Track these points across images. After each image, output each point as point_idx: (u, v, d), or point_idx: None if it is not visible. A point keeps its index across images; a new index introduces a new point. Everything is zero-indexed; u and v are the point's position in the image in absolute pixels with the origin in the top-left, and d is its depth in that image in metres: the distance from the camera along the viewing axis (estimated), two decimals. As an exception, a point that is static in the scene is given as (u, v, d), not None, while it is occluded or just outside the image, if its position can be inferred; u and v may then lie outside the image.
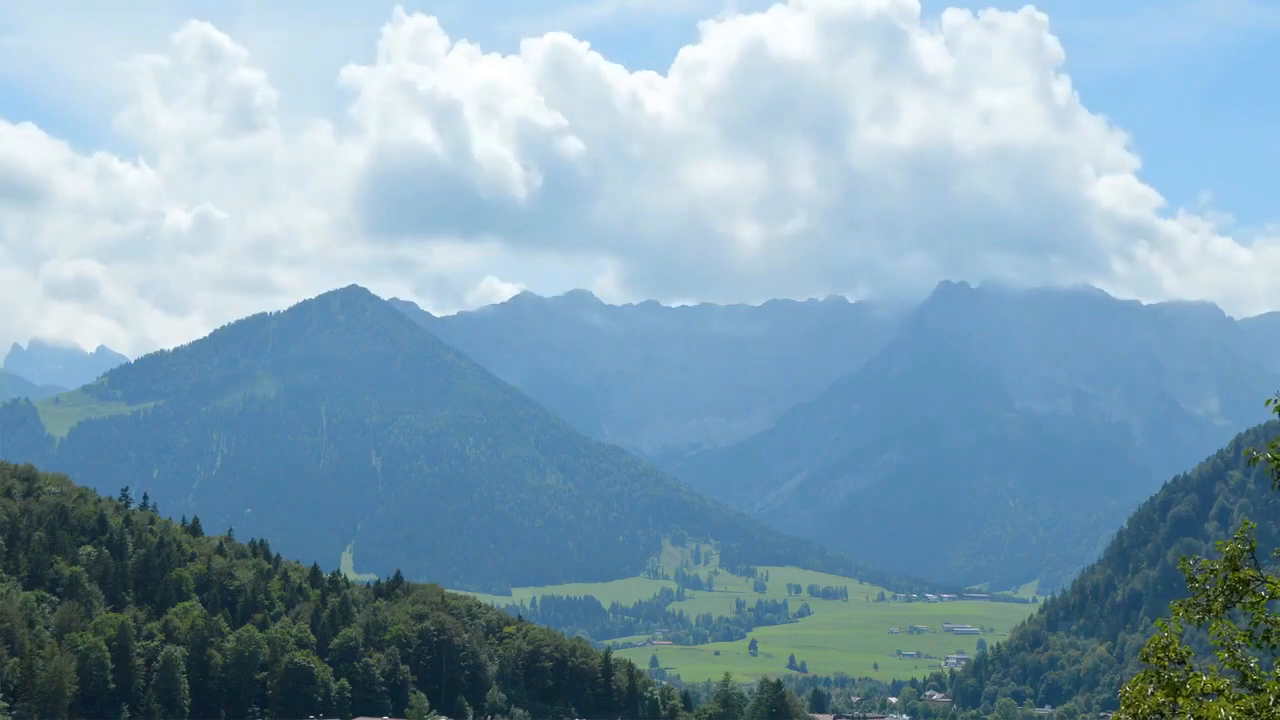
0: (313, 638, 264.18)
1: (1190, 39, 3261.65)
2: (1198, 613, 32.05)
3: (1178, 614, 32.38)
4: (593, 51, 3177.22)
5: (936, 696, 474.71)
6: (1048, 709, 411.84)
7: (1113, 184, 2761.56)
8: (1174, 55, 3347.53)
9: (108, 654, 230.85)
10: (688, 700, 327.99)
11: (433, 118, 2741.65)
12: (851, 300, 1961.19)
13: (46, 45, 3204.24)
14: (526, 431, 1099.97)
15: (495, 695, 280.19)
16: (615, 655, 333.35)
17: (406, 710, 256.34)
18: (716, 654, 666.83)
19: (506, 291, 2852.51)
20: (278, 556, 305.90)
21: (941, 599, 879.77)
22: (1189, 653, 32.38)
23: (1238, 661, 31.48)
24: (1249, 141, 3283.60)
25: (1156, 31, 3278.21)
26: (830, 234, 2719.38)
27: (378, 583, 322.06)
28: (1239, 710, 29.73)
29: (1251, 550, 31.85)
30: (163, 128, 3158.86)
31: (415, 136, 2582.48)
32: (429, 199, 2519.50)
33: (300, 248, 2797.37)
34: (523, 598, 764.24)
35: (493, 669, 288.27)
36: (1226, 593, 31.62)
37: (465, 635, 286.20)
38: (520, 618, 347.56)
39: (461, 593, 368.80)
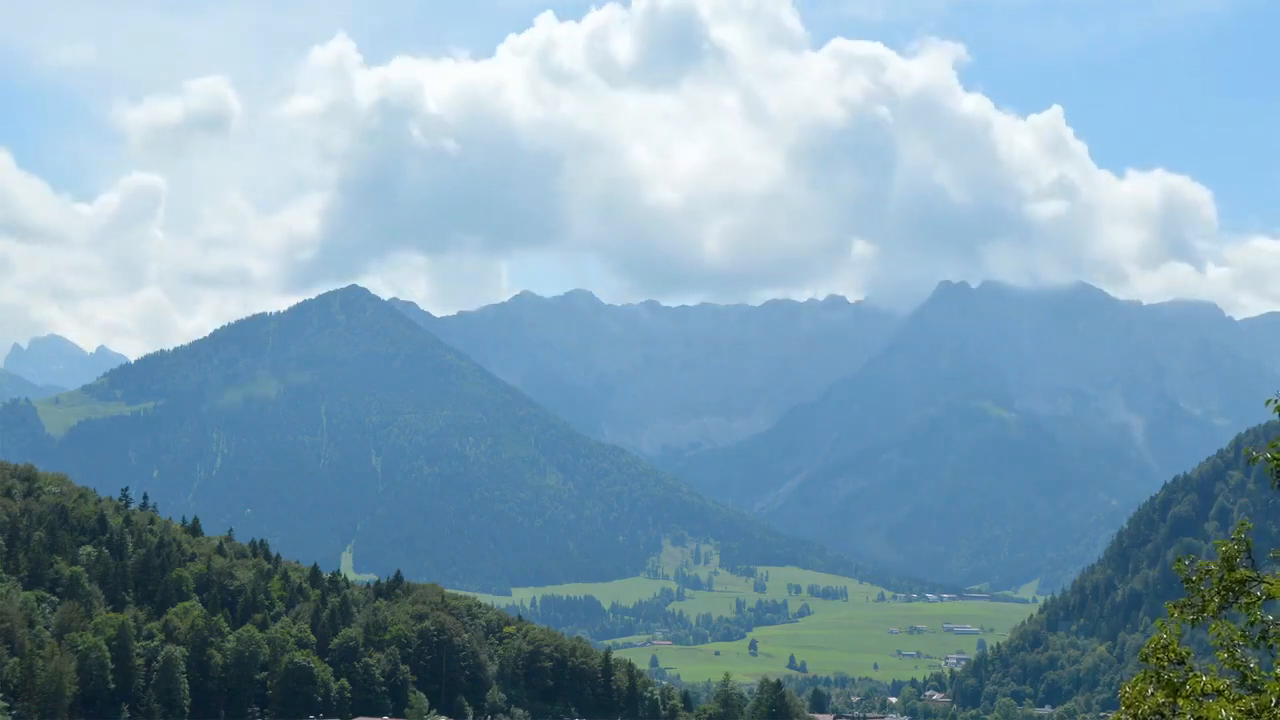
0: (313, 638, 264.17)
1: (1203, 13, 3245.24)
2: (1192, 613, 32.05)
3: (1173, 614, 32.38)
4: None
5: (936, 696, 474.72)
6: (1048, 709, 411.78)
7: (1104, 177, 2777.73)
8: (1157, 41, 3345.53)
9: (108, 654, 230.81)
10: (688, 700, 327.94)
11: (428, 117, 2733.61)
12: (851, 300, 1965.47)
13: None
14: (526, 431, 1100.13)
15: (495, 695, 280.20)
16: (615, 655, 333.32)
17: (406, 710, 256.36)
18: (716, 654, 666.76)
19: (506, 291, 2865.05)
20: (278, 556, 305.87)
21: (941, 599, 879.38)
22: (1189, 653, 32.37)
23: (1238, 662, 31.46)
24: (1245, 131, 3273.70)
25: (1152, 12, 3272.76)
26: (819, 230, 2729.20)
27: (378, 583, 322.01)
28: (1239, 711, 29.72)
29: (1248, 550, 31.84)
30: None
31: (409, 137, 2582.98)
32: (427, 200, 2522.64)
33: (295, 247, 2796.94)
34: (523, 598, 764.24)
35: (493, 669, 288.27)
36: (1222, 593, 31.61)
37: (465, 635, 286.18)
38: (520, 618, 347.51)
39: (461, 593, 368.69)
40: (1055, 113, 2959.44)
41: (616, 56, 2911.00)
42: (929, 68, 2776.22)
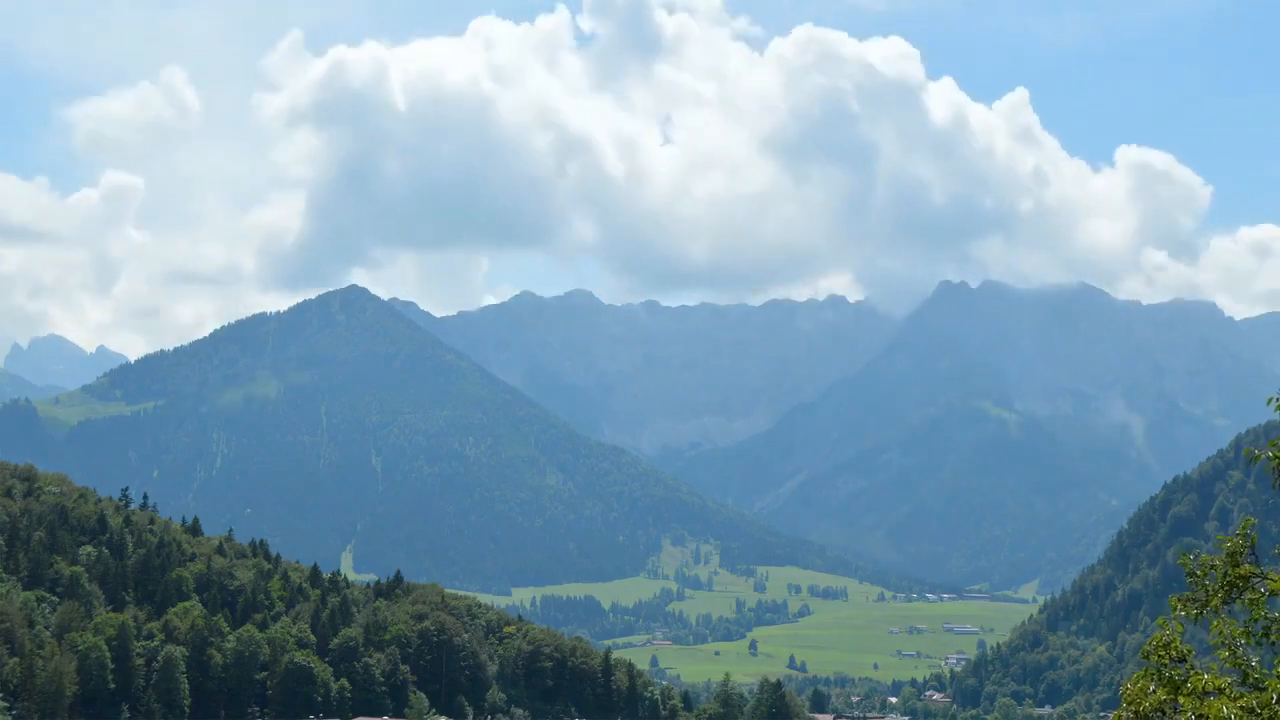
0: (313, 638, 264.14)
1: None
2: (1196, 608, 32.02)
3: (1176, 608, 32.35)
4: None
5: (936, 696, 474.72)
6: (1048, 709, 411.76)
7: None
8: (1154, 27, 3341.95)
9: (108, 654, 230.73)
10: (688, 700, 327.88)
11: (430, 117, 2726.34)
12: (851, 300, 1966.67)
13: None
14: (526, 431, 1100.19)
15: (495, 695, 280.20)
16: (615, 655, 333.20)
17: (406, 710, 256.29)
18: (716, 654, 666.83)
19: (506, 291, 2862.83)
20: (278, 556, 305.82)
21: (941, 599, 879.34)
22: (1190, 651, 32.35)
23: (1239, 660, 31.44)
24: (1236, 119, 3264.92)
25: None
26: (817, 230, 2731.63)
27: (378, 583, 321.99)
28: (1240, 708, 29.68)
29: (1252, 546, 31.82)
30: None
31: (412, 138, 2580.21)
32: (428, 200, 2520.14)
33: (296, 246, 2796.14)
34: (523, 598, 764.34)
35: (493, 669, 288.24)
36: (1226, 588, 31.59)
37: (465, 635, 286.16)
38: (520, 618, 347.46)
39: (461, 593, 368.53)
40: (1021, 100, 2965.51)
41: (585, 52, 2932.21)
42: (894, 58, 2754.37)
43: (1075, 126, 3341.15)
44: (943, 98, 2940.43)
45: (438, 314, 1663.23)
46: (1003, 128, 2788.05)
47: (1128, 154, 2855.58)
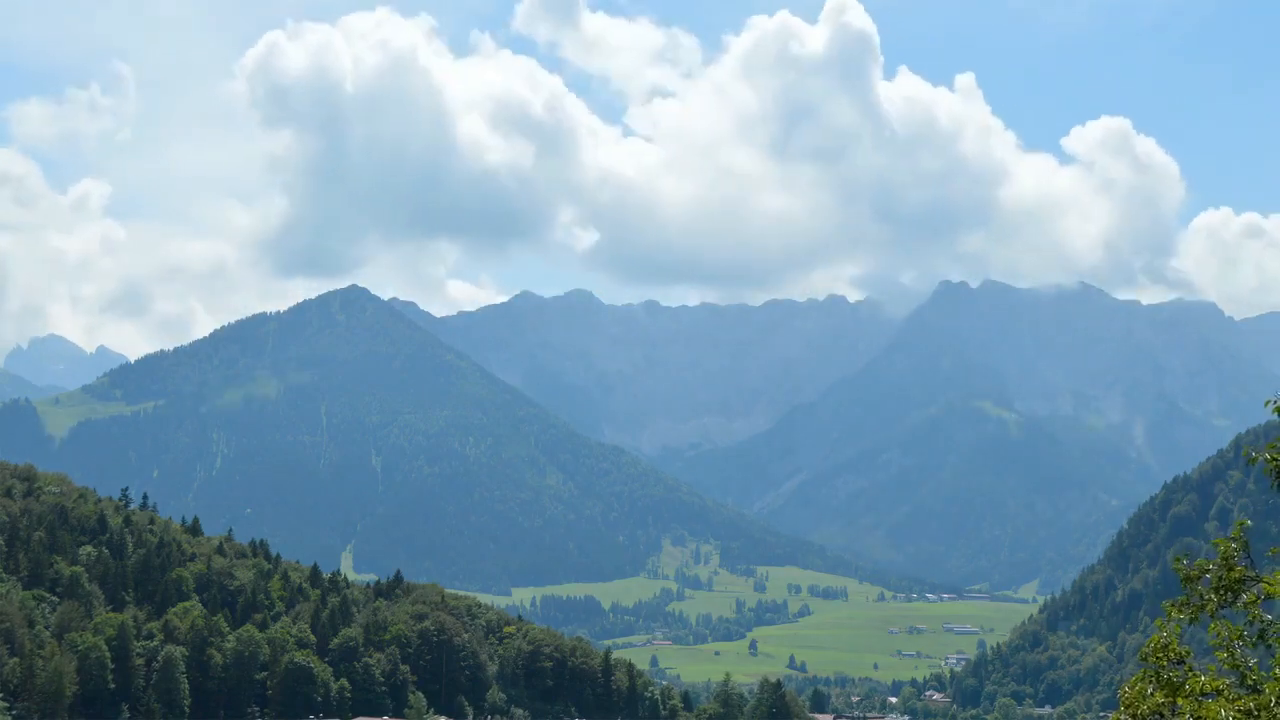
0: (313, 638, 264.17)
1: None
2: (1190, 611, 32.05)
3: (1170, 613, 32.37)
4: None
5: (936, 696, 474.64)
6: (1048, 709, 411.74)
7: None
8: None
9: (108, 654, 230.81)
10: (688, 700, 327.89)
11: (424, 114, 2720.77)
12: (851, 300, 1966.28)
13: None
14: (526, 431, 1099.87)
15: (495, 695, 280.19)
16: (615, 655, 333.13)
17: (406, 710, 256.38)
18: (716, 654, 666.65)
19: (506, 291, 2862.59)
20: (278, 556, 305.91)
21: (941, 599, 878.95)
22: (1188, 653, 32.35)
23: (1237, 662, 31.45)
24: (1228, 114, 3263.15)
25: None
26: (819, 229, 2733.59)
27: (378, 583, 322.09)
28: (1238, 710, 29.69)
29: (1246, 549, 31.84)
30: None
31: (411, 136, 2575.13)
32: (425, 198, 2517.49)
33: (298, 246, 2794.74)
34: (523, 598, 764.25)
35: (493, 669, 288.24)
36: (1220, 592, 31.60)
37: (465, 635, 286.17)
38: (520, 618, 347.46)
39: (461, 593, 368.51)
40: (976, 94, 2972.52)
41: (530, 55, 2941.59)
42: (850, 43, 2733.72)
43: (1029, 116, 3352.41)
44: (903, 87, 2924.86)
45: (438, 314, 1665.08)
46: (973, 117, 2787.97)
47: (1121, 147, 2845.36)
